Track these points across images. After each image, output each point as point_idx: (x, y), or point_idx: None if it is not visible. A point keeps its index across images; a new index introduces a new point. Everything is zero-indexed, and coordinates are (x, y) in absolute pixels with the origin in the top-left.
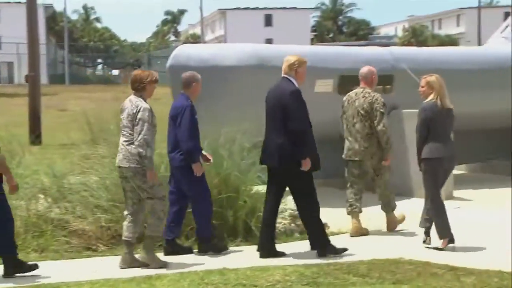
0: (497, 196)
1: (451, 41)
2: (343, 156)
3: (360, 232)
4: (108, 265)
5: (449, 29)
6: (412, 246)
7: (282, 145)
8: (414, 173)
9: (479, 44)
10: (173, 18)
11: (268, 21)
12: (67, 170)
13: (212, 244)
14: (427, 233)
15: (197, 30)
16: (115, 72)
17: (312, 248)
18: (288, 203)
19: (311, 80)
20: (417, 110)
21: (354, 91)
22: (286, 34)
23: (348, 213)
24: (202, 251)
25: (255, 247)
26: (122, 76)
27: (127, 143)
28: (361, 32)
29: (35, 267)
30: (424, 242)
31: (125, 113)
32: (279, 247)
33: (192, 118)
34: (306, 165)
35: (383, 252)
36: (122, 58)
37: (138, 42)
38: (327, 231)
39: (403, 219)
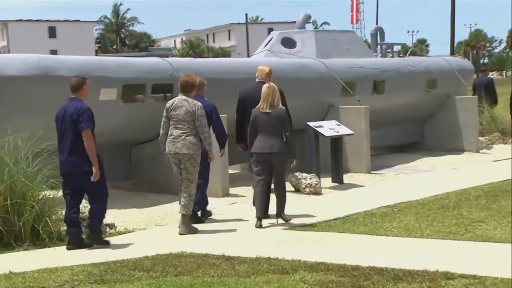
0: None
1: (224, 53)
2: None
3: None
4: None
5: (222, 42)
6: (192, 240)
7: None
8: None
9: (248, 55)
10: None
11: (52, 32)
12: None
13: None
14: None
15: None
16: None
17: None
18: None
19: (96, 89)
20: None
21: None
22: (70, 46)
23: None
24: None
25: (44, 250)
26: None
27: (185, 134)
28: (143, 44)
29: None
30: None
31: (182, 111)
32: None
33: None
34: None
35: (167, 247)
36: None
37: None
38: (114, 231)
39: None
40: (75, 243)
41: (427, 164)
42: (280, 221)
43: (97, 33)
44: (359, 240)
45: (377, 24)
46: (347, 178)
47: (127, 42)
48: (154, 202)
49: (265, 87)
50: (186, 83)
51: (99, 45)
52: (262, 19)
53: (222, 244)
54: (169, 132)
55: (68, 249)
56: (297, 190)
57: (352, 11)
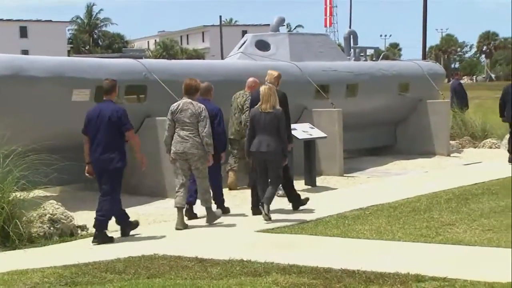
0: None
1: (198, 55)
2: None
3: (235, 185)
4: None
5: (196, 44)
6: (165, 242)
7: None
8: (167, 175)
9: (222, 57)
10: None
11: (23, 32)
12: None
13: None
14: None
15: None
16: None
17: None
18: (47, 208)
19: (68, 89)
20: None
21: (239, 92)
22: (42, 46)
23: (227, 171)
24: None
25: (14, 252)
26: None
27: (193, 135)
28: (116, 45)
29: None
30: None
31: (188, 113)
32: (38, 250)
33: None
34: (292, 147)
35: (139, 249)
36: None
37: None
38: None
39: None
40: (100, 237)
41: (399, 167)
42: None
43: (70, 34)
44: (332, 242)
45: (350, 27)
46: (320, 180)
47: (100, 43)
48: (127, 204)
49: (265, 88)
50: (190, 86)
51: (71, 45)
52: (236, 21)
53: (195, 246)
54: (176, 133)
55: (93, 243)
56: None
57: (325, 14)
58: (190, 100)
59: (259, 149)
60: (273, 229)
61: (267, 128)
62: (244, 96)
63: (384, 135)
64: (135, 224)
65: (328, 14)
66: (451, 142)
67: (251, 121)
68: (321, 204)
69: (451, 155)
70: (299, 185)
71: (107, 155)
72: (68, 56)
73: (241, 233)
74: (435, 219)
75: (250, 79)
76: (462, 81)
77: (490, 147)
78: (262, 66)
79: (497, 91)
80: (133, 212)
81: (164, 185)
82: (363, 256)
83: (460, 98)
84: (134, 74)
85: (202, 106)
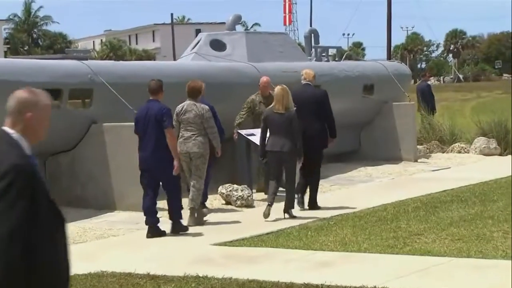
0: None
1: (148, 55)
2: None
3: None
4: None
5: (145, 44)
6: (114, 258)
7: (321, 130)
8: (116, 185)
9: (174, 58)
10: None
11: None
12: None
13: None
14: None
15: None
16: None
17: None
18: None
19: (5, 94)
20: (116, 124)
21: (252, 96)
22: None
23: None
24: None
25: None
26: None
27: (196, 135)
28: (58, 46)
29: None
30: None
31: (192, 114)
32: None
33: None
34: (334, 142)
35: (85, 266)
36: None
37: None
38: None
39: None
40: (152, 232)
41: (364, 174)
42: (287, 216)
43: (6, 33)
44: (294, 255)
45: (311, 26)
46: (281, 189)
47: (40, 43)
48: (71, 217)
49: (278, 89)
50: (194, 89)
51: (8, 46)
52: (189, 19)
53: (146, 262)
54: (180, 133)
55: (147, 237)
56: (228, 203)
57: (284, 12)
58: (193, 102)
59: (273, 148)
60: (230, 241)
61: (281, 129)
62: (253, 95)
63: (348, 140)
64: (186, 228)
65: (287, 12)
66: (418, 146)
67: (264, 121)
68: (281, 215)
69: (419, 160)
70: (259, 194)
71: (155, 153)
72: (5, 57)
73: (196, 246)
74: (403, 229)
75: (263, 77)
76: (429, 83)
77: (459, 152)
78: (218, 68)
79: (465, 93)
80: (77, 227)
81: (113, 196)
82: (327, 269)
83: (427, 100)
84: (78, 76)
85: (206, 107)
